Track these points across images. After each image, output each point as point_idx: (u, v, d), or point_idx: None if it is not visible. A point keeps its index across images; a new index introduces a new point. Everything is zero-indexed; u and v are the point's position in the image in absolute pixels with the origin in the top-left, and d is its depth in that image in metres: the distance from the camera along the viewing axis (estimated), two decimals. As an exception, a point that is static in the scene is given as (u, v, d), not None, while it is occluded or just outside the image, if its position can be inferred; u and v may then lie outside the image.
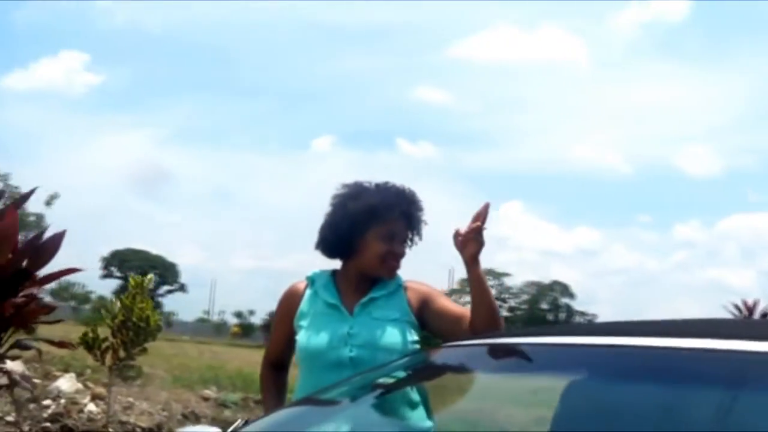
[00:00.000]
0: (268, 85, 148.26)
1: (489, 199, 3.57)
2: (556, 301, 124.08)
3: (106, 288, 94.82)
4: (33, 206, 33.11)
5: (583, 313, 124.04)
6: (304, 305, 3.63)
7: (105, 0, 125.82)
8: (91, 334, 8.00)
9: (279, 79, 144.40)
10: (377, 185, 3.71)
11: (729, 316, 11.65)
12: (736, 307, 10.73)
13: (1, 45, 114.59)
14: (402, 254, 3.63)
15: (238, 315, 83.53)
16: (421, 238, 3.73)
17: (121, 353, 7.90)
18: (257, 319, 78.06)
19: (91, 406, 8.71)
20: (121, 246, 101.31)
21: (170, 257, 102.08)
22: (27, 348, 7.38)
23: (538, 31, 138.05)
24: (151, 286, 8.45)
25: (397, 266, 3.62)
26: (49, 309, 7.56)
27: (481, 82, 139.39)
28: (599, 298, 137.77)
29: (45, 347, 7.67)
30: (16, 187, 34.66)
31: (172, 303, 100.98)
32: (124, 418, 8.68)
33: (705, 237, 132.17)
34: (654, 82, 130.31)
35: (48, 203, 32.97)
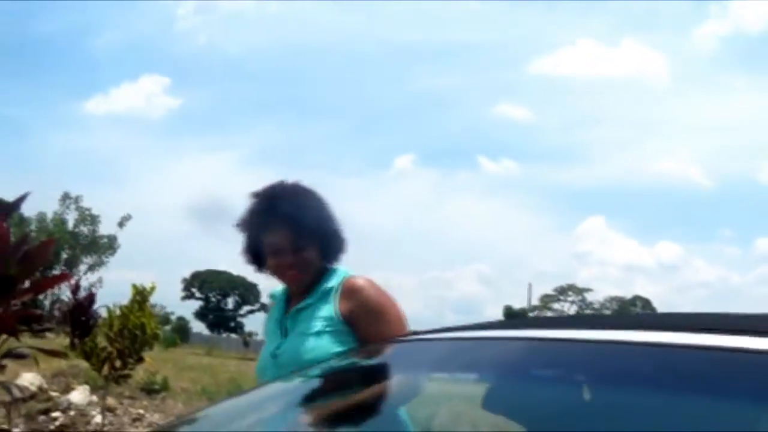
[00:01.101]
0: (347, 105, 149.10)
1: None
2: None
3: (187, 309, 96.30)
4: (106, 228, 33.56)
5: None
6: (266, 324, 3.45)
7: (185, 22, 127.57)
8: (90, 344, 7.82)
9: (358, 99, 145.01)
10: (256, 193, 3.36)
11: None
12: None
13: (82, 71, 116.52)
14: (291, 264, 3.21)
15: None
16: (326, 231, 3.33)
17: (118, 362, 7.69)
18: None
19: (98, 418, 8.51)
20: (202, 267, 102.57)
21: (251, 278, 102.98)
22: (21, 357, 7.19)
23: (619, 46, 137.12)
24: (153, 295, 8.20)
25: (296, 276, 3.24)
26: (34, 317, 7.33)
27: (561, 98, 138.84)
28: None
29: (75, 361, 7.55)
30: (88, 209, 35.25)
31: (252, 323, 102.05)
32: (131, 430, 8.47)
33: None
34: (735, 95, 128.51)
35: (121, 225, 33.38)
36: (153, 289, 8.27)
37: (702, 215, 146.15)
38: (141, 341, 7.64)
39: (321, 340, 3.12)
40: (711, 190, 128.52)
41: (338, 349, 3.08)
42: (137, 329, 7.57)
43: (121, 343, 7.61)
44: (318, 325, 3.15)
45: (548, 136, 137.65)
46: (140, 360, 7.92)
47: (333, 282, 3.24)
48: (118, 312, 7.90)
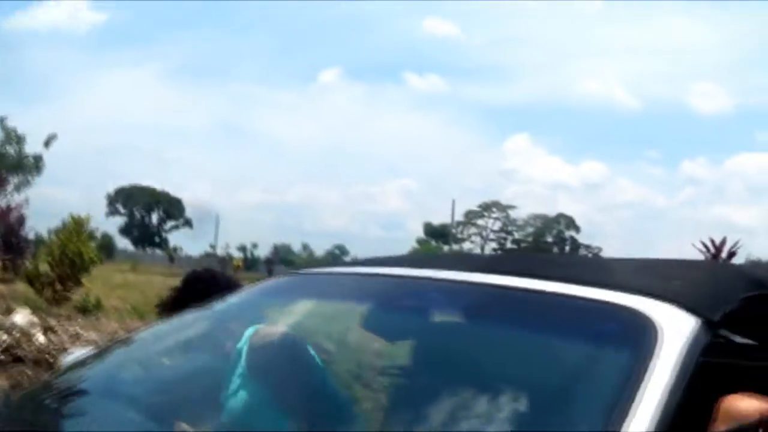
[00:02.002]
0: (272, 19, 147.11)
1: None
2: (562, 234, 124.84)
3: (112, 225, 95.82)
4: (32, 148, 33.44)
5: (587, 246, 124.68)
6: None
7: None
8: (32, 269, 8.48)
9: (284, 13, 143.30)
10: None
11: (699, 254, 11.99)
12: (704, 245, 11.07)
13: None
14: None
15: (242, 249, 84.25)
16: None
17: (58, 286, 8.37)
18: (262, 253, 78.57)
19: (41, 338, 9.15)
20: (126, 183, 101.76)
21: (175, 192, 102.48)
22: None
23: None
24: (89, 224, 8.90)
25: None
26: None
27: (490, 15, 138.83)
28: (605, 232, 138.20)
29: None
30: (13, 129, 35.04)
31: (176, 238, 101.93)
32: (70, 347, 9.14)
33: (712, 174, 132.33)
34: (665, 19, 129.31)
35: (47, 144, 33.25)
36: (89, 219, 8.98)
37: (628, 136, 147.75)
38: (79, 267, 8.33)
39: None
40: (637, 111, 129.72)
41: None
42: (76, 256, 8.26)
43: (60, 268, 8.28)
44: None
45: (476, 53, 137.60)
46: (79, 283, 8.62)
47: None
48: (54, 238, 8.57)
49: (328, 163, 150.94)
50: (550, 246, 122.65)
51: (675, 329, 2.16)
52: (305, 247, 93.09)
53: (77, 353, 3.53)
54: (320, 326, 3.26)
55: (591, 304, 2.36)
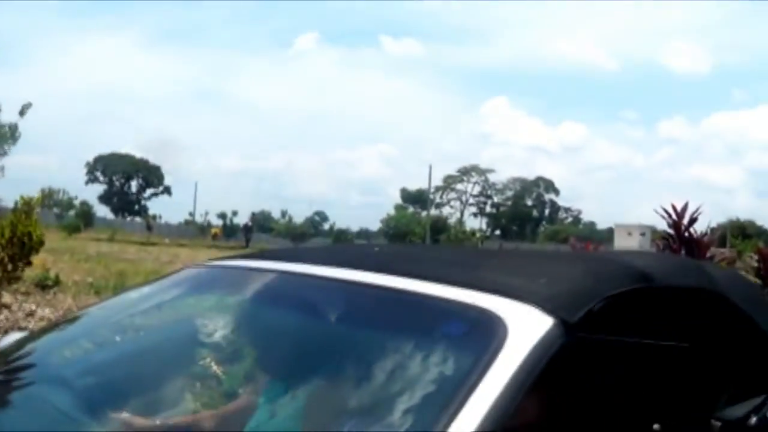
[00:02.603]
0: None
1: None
2: (541, 197, 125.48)
3: (91, 193, 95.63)
4: (6, 116, 33.30)
5: (567, 209, 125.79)
6: None
7: None
8: (-17, 250, 8.86)
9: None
10: None
11: (661, 220, 12.16)
12: (665, 210, 11.05)
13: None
14: None
15: (222, 216, 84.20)
16: None
17: (9, 266, 8.74)
18: (242, 220, 78.50)
19: (-5, 315, 9.50)
20: (105, 151, 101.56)
21: (154, 160, 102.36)
22: None
23: None
24: (39, 205, 9.26)
25: None
26: None
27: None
28: (585, 194, 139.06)
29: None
30: (-12, 96, 35.13)
31: (156, 206, 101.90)
32: (24, 324, 9.48)
33: (690, 134, 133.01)
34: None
35: (21, 113, 33.11)
36: (39, 199, 9.37)
37: (605, 97, 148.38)
38: (28, 247, 8.70)
39: None
40: (614, 72, 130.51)
41: None
42: (25, 237, 8.64)
43: (10, 249, 8.66)
44: None
45: (451, 16, 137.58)
46: (29, 263, 9.01)
47: None
48: (5, 221, 8.94)
49: (306, 129, 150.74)
50: (530, 209, 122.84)
51: (525, 329, 2.20)
52: (284, 213, 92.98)
53: (11, 336, 3.59)
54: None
55: (444, 303, 2.40)
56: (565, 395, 2.51)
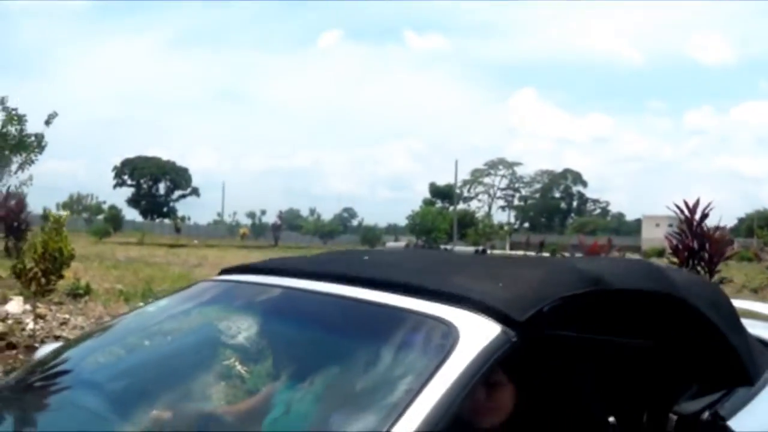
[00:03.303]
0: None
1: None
2: (569, 189, 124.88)
3: (119, 197, 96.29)
4: (33, 127, 33.50)
5: (596, 201, 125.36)
6: None
7: None
8: (20, 265, 9.32)
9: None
10: None
11: (673, 215, 12.25)
12: (677, 206, 11.11)
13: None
14: None
15: (251, 215, 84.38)
16: None
17: (42, 280, 9.19)
18: (269, 219, 78.38)
19: (32, 324, 9.92)
20: (132, 154, 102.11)
21: (181, 162, 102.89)
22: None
23: None
24: (66, 220, 9.74)
25: None
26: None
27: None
28: (612, 186, 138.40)
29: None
30: (14, 109, 35.30)
31: (184, 208, 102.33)
32: (58, 333, 9.92)
33: (718, 124, 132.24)
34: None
35: (47, 123, 33.40)
36: (66, 217, 9.87)
37: (632, 88, 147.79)
38: (60, 261, 9.17)
39: None
40: (641, 63, 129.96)
41: None
42: (56, 252, 9.09)
43: (44, 264, 9.12)
44: None
45: (476, 9, 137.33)
46: (61, 277, 9.48)
47: None
48: (37, 238, 9.43)
49: (332, 126, 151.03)
50: (557, 201, 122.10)
51: (474, 334, 2.39)
52: (312, 211, 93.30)
53: (47, 347, 3.91)
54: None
55: (406, 313, 2.59)
56: (521, 389, 2.78)
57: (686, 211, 12.45)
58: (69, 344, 4.14)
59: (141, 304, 10.35)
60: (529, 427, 2.87)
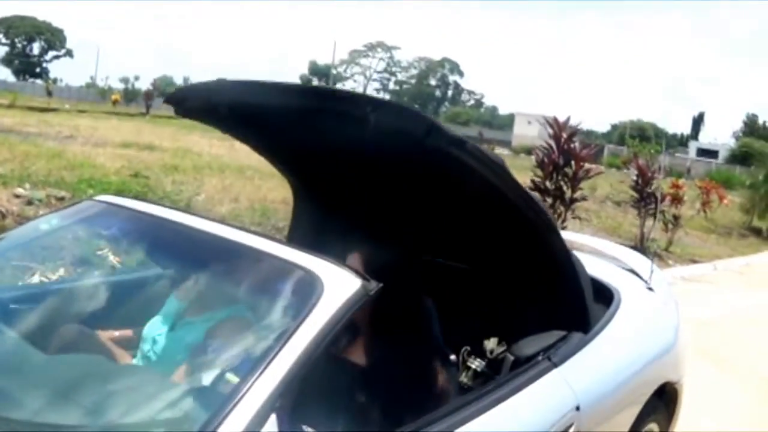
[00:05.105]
0: None
1: None
2: (445, 78, 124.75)
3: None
4: None
5: (471, 92, 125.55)
6: None
7: None
8: None
9: None
10: None
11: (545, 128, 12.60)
12: (547, 121, 11.41)
13: None
14: None
15: (124, 80, 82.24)
16: None
17: None
18: (143, 85, 76.38)
19: None
20: (8, 13, 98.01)
21: (57, 22, 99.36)
22: None
23: None
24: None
25: None
26: None
27: None
28: (489, 79, 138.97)
29: None
30: None
31: (57, 69, 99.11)
32: None
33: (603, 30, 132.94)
34: None
35: None
36: None
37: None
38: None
39: None
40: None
41: None
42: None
43: None
44: None
45: None
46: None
47: None
48: None
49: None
50: (433, 89, 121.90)
51: (337, 287, 2.56)
52: (186, 80, 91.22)
53: None
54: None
55: (272, 259, 2.75)
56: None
57: (555, 127, 12.83)
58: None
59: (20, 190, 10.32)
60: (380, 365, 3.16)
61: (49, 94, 61.73)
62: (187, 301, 3.27)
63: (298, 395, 2.35)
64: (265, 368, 2.32)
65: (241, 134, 4.09)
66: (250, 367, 2.38)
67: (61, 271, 5.18)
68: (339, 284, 2.57)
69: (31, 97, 58.44)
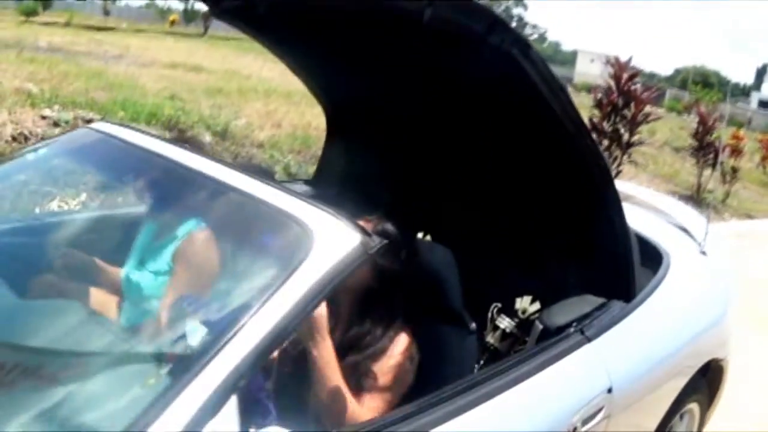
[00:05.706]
0: None
1: None
2: (508, 10, 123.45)
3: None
4: None
5: (535, 26, 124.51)
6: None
7: None
8: None
9: None
10: None
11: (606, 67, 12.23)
12: (609, 62, 10.99)
13: None
14: None
15: (184, 1, 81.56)
16: None
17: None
18: (202, 6, 75.24)
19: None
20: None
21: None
22: None
23: None
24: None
25: None
26: None
27: None
28: (554, 14, 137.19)
29: None
30: None
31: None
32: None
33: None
34: None
35: None
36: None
37: None
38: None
39: None
40: None
41: None
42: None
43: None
44: None
45: None
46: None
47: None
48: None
49: None
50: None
51: (331, 241, 2.20)
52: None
53: None
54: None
55: (257, 203, 2.41)
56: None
57: (616, 67, 12.41)
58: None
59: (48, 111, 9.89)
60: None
61: (107, 13, 61.60)
62: (153, 232, 3.19)
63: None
64: (230, 339, 1.95)
65: (278, 44, 3.77)
66: (215, 333, 2.05)
67: (36, 210, 4.83)
68: (333, 238, 2.19)
69: (90, 15, 58.32)
